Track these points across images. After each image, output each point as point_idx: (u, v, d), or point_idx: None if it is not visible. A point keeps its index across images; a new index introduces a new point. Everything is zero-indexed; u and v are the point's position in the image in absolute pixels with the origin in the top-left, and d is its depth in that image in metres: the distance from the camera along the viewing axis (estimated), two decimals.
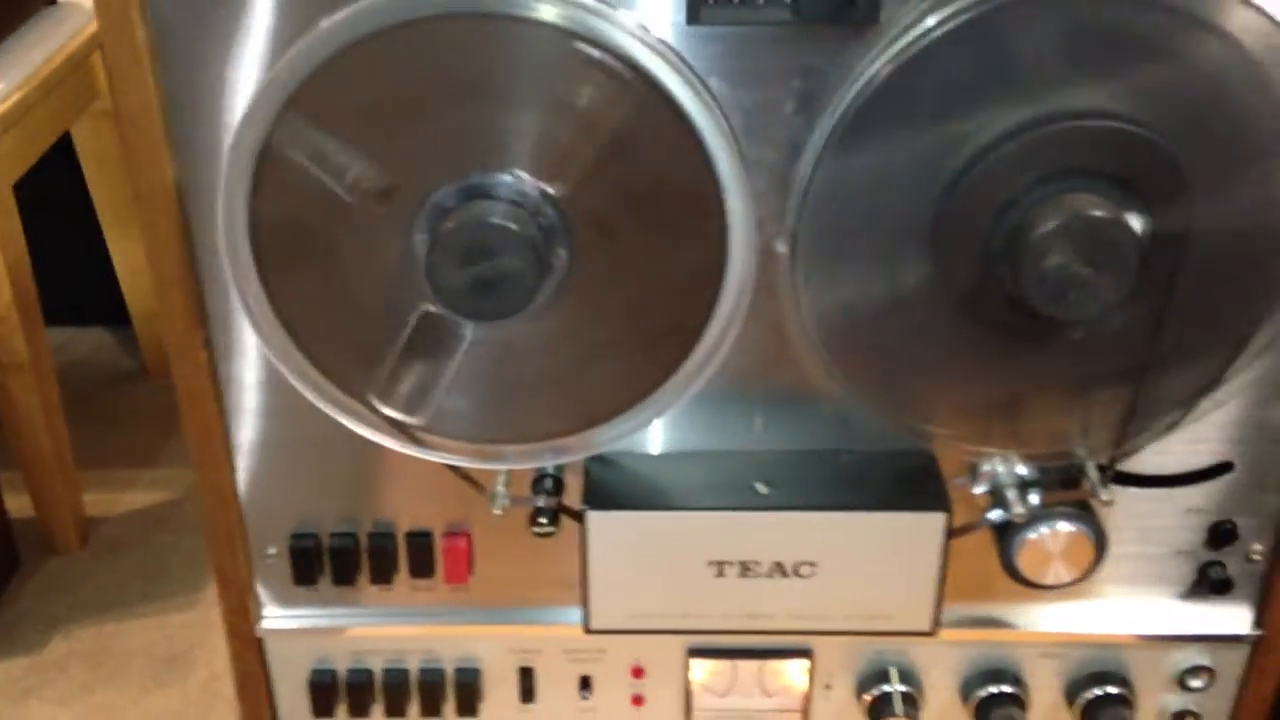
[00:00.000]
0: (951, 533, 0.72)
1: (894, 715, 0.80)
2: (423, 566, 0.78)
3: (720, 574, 0.73)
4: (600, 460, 0.73)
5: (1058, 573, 0.73)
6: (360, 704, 0.83)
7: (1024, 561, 0.73)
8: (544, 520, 0.73)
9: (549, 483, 0.74)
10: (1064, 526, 0.72)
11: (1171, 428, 0.71)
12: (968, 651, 0.81)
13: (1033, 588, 0.74)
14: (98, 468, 1.41)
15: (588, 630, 0.75)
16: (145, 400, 1.57)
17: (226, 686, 1.10)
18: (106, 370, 1.61)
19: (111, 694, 1.13)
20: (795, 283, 0.67)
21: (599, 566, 0.73)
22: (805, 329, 0.69)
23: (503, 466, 0.72)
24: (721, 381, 0.72)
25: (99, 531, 1.35)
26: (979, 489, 0.74)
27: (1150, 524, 0.76)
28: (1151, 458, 0.74)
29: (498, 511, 0.72)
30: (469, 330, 0.65)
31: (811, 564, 0.72)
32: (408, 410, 0.68)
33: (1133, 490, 0.75)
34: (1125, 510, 0.76)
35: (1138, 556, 0.78)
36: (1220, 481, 0.75)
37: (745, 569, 0.72)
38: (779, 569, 0.72)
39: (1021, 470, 0.73)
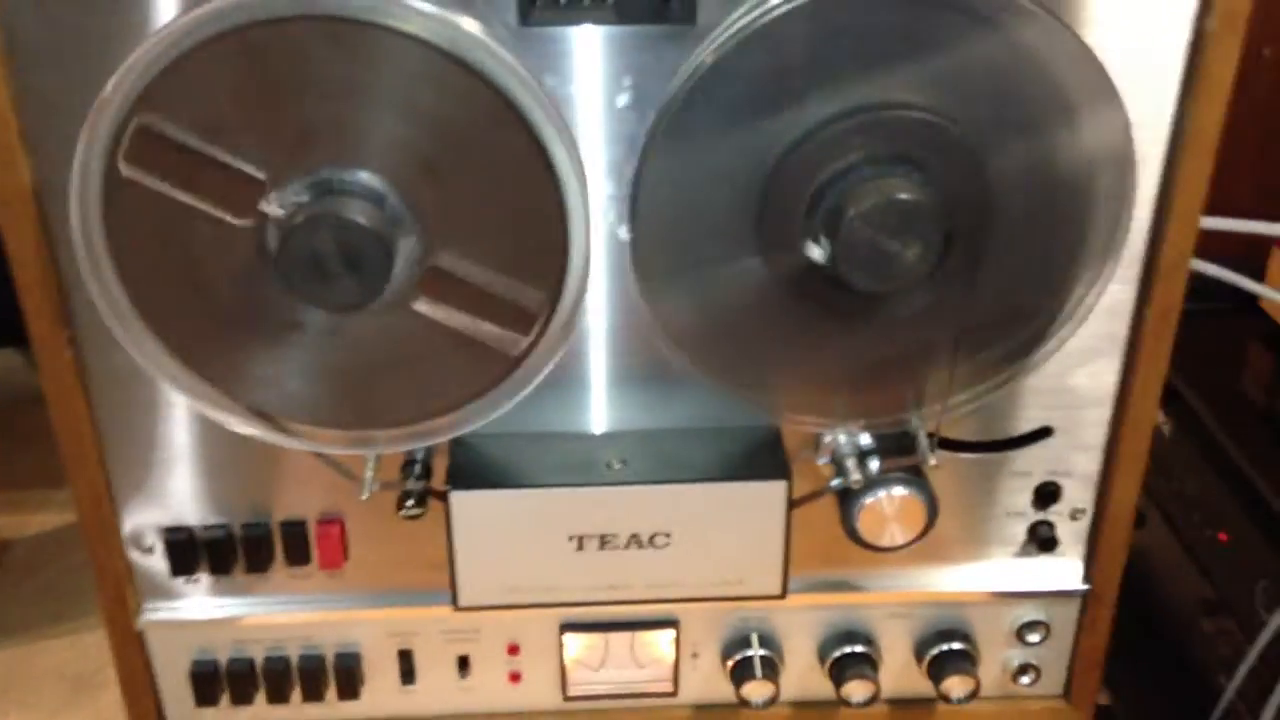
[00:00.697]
0: (794, 501, 0.76)
1: (755, 678, 0.84)
2: (298, 554, 0.80)
3: (580, 547, 0.76)
4: (461, 443, 0.76)
5: (894, 535, 0.78)
6: (243, 692, 0.84)
7: (863, 525, 0.77)
8: (411, 504, 0.76)
9: (416, 467, 0.77)
10: (898, 491, 0.76)
11: (993, 391, 0.76)
12: (821, 615, 0.85)
13: (874, 550, 0.78)
14: (8, 489, 1.41)
15: (457, 608, 0.78)
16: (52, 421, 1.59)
17: None
18: (16, 391, 1.60)
19: (22, 716, 1.13)
20: (637, 267, 0.71)
21: (464, 545, 0.76)
22: (651, 313, 0.73)
23: (369, 452, 0.75)
24: (577, 364, 0.75)
25: (10, 553, 1.35)
26: (821, 460, 0.78)
27: (980, 487, 0.81)
28: (976, 424, 0.79)
29: (365, 497, 0.75)
30: (325, 320, 0.68)
31: (666, 535, 0.76)
32: (268, 400, 0.71)
33: (962, 456, 0.80)
34: (956, 475, 0.80)
35: (972, 519, 0.83)
36: (1041, 445, 0.80)
37: (604, 541, 0.76)
38: (635, 540, 0.76)
39: (861, 440, 0.78)
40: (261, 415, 0.72)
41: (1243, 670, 0.99)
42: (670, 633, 0.85)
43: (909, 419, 0.77)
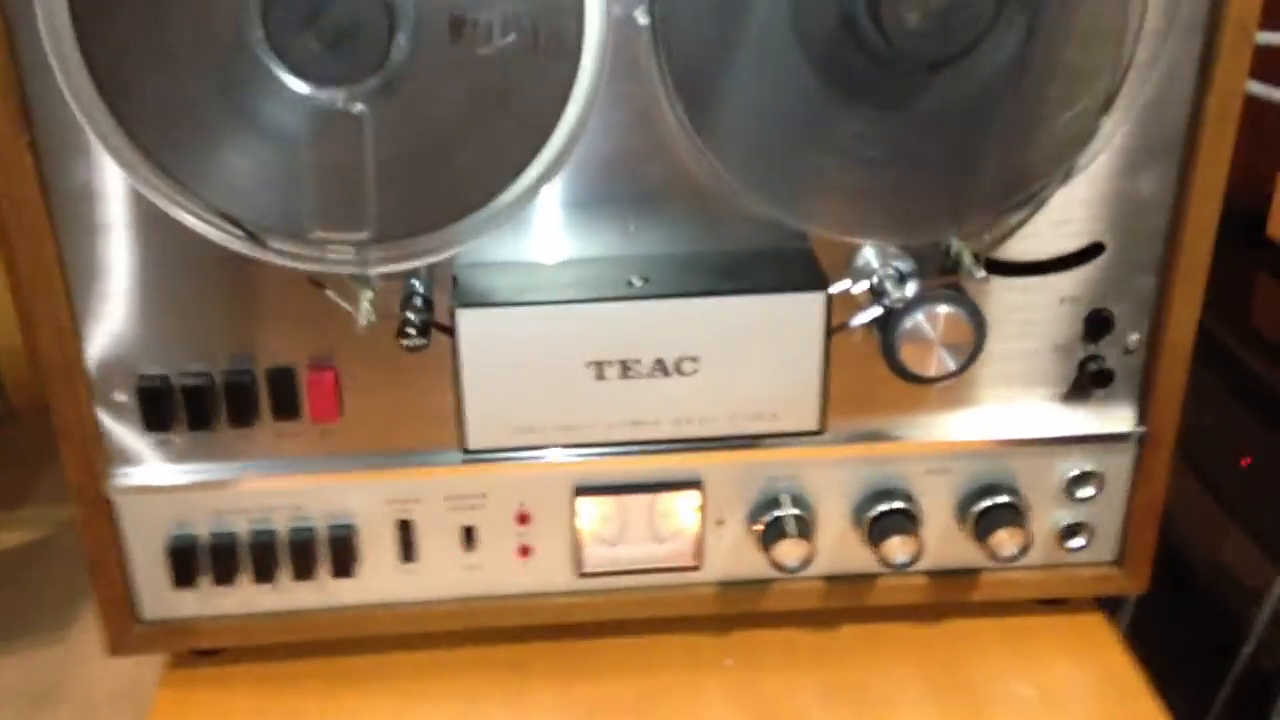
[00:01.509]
0: (833, 327, 0.69)
1: (789, 536, 0.76)
2: (287, 407, 0.72)
3: (600, 375, 0.68)
4: (468, 267, 0.69)
5: (940, 361, 0.71)
6: (225, 571, 0.76)
7: (906, 351, 0.70)
8: (412, 331, 0.68)
9: (417, 300, 0.69)
10: (942, 309, 0.70)
11: (1040, 199, 0.70)
12: (856, 471, 0.78)
13: (919, 381, 0.71)
14: None
15: (465, 451, 0.70)
16: (13, 440, 1.53)
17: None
18: None
19: None
20: (659, 57, 0.65)
21: (473, 376, 0.68)
22: (672, 108, 0.66)
23: (366, 271, 0.67)
24: (590, 180, 0.68)
25: None
26: (858, 287, 0.71)
27: (1027, 318, 0.75)
28: (1022, 244, 0.73)
29: (363, 324, 0.67)
30: (310, 107, 0.61)
31: (693, 359, 0.69)
32: (244, 205, 0.63)
33: (1007, 282, 0.73)
34: (1000, 304, 0.74)
35: (1017, 355, 0.76)
36: (1092, 266, 0.74)
37: (626, 369, 0.68)
38: (660, 367, 0.69)
39: (899, 265, 0.71)
40: (237, 223, 0.64)
41: (1275, 595, 0.92)
42: (694, 496, 0.77)
43: (949, 235, 0.70)
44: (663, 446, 0.73)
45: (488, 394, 0.68)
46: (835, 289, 0.69)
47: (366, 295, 0.68)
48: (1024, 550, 0.78)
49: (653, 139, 0.67)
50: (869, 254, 0.71)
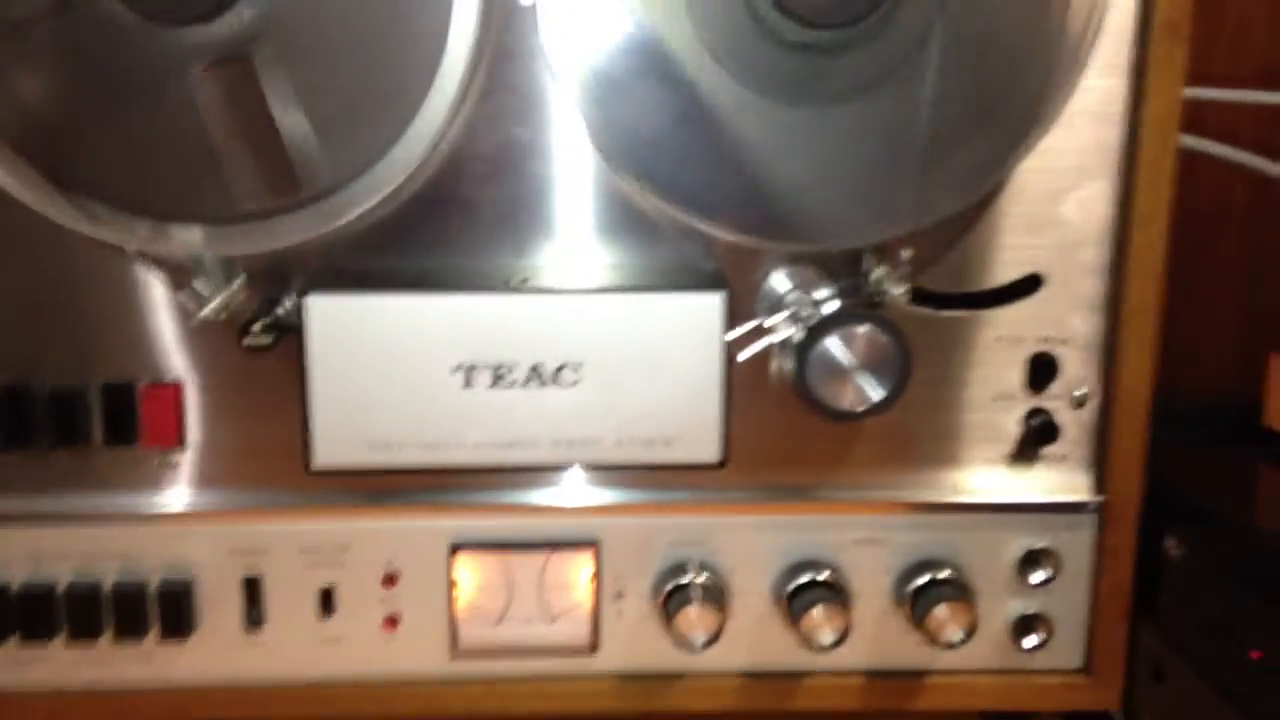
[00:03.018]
0: (733, 340, 0.61)
1: (693, 601, 0.65)
2: (121, 427, 0.63)
3: (468, 382, 0.60)
4: (327, 255, 0.61)
5: (858, 390, 0.62)
6: (39, 626, 0.64)
7: (821, 381, 0.61)
8: (256, 328, 0.60)
9: (267, 305, 0.62)
10: (860, 328, 0.61)
11: (964, 210, 0.63)
12: (777, 538, 0.67)
13: (836, 419, 0.62)
14: None
15: (309, 471, 0.60)
16: None
17: None
18: None
19: None
20: (547, 48, 0.60)
21: (321, 378, 0.59)
22: (563, 94, 0.60)
23: (193, 252, 0.59)
24: (466, 181, 0.62)
25: None
26: (770, 319, 0.63)
27: (962, 360, 0.66)
28: (950, 272, 0.65)
29: (204, 315, 0.59)
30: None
31: (575, 367, 0.60)
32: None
33: (935, 317, 0.66)
34: (930, 342, 0.65)
35: (953, 404, 0.67)
36: (1032, 302, 0.66)
37: (498, 376, 0.60)
38: (537, 375, 0.60)
39: (815, 290, 0.63)
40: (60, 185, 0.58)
41: None
42: (588, 560, 0.66)
43: (868, 238, 0.63)
44: (541, 475, 0.63)
45: (338, 401, 0.59)
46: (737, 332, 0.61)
47: (205, 279, 0.60)
48: (969, 633, 0.66)
49: (541, 132, 0.62)
50: (779, 280, 0.64)
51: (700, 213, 0.61)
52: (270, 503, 0.64)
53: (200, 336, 0.62)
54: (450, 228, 0.62)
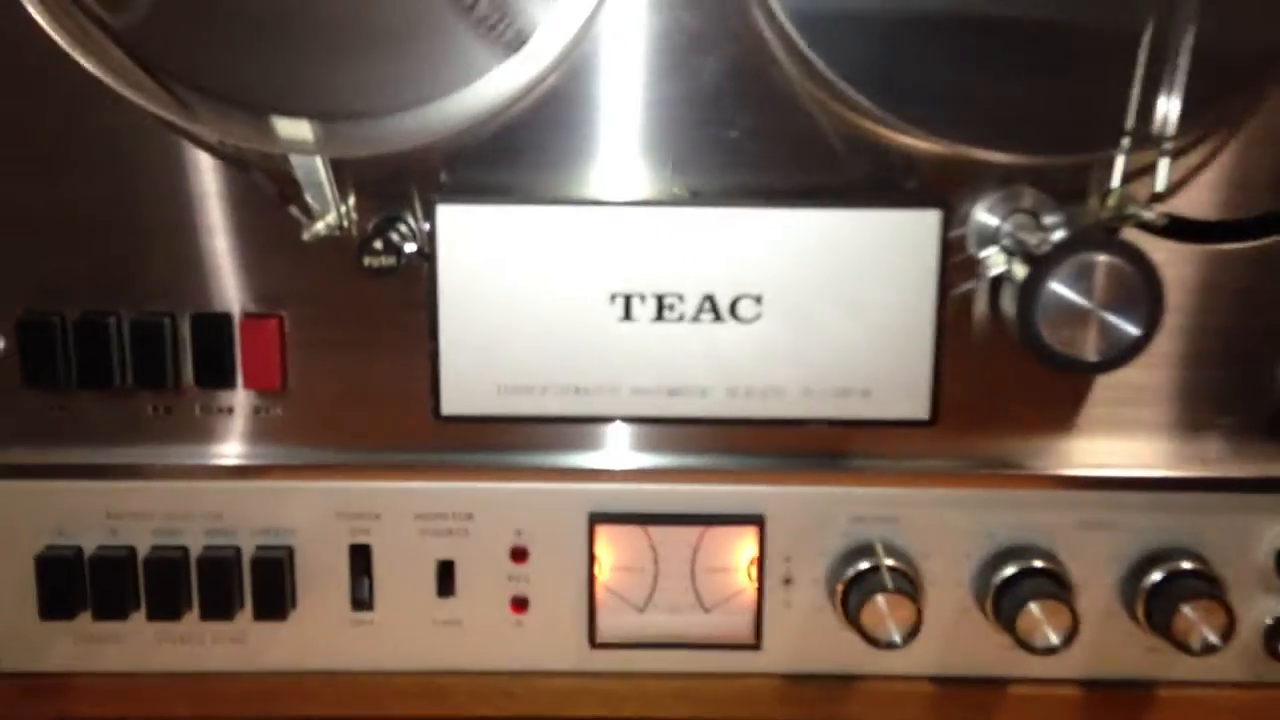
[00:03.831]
0: (948, 283, 0.49)
1: (884, 592, 0.54)
2: (214, 366, 0.54)
3: (626, 315, 0.49)
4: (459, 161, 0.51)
5: (1102, 336, 0.50)
6: (114, 599, 0.55)
7: (1053, 326, 0.50)
8: (378, 245, 0.50)
9: (385, 223, 0.52)
10: (1101, 258, 0.50)
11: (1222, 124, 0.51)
12: (980, 517, 0.56)
13: (1069, 369, 0.51)
14: None
15: (437, 416, 0.50)
16: None
17: None
18: None
19: None
20: None
21: (451, 308, 0.49)
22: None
23: (319, 155, 0.50)
24: (612, 82, 0.52)
25: None
26: (985, 250, 0.52)
27: (1201, 304, 0.54)
28: (1211, 194, 0.53)
29: (318, 230, 0.50)
30: None
31: (756, 298, 0.49)
32: (176, 57, 0.47)
33: (1170, 251, 0.54)
34: (1179, 280, 0.54)
35: (1193, 359, 0.55)
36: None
37: (663, 307, 0.49)
38: (710, 306, 0.49)
39: (1041, 216, 0.52)
40: (159, 74, 0.48)
41: None
42: (750, 539, 0.56)
43: (1096, 170, 0.51)
44: (708, 431, 0.53)
45: (470, 335, 0.49)
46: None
47: (320, 198, 0.50)
48: (1225, 637, 0.54)
49: (712, 21, 0.51)
50: (989, 208, 0.52)
51: (916, 116, 0.50)
52: (383, 459, 0.55)
53: (308, 259, 0.52)
54: (592, 136, 0.51)
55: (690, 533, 0.55)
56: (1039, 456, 0.55)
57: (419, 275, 0.49)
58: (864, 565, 0.55)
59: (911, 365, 0.49)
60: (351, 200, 0.51)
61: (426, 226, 0.50)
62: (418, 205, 0.49)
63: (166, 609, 0.55)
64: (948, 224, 0.48)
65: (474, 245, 0.48)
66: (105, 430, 0.54)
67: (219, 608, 0.55)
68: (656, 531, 0.55)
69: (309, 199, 0.50)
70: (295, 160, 0.50)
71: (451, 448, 0.54)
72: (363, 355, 0.53)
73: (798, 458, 0.54)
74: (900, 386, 0.49)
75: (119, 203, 0.52)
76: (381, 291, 0.51)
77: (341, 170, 0.51)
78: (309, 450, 0.55)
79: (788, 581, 0.56)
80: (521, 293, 0.48)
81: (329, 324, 0.53)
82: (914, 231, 0.48)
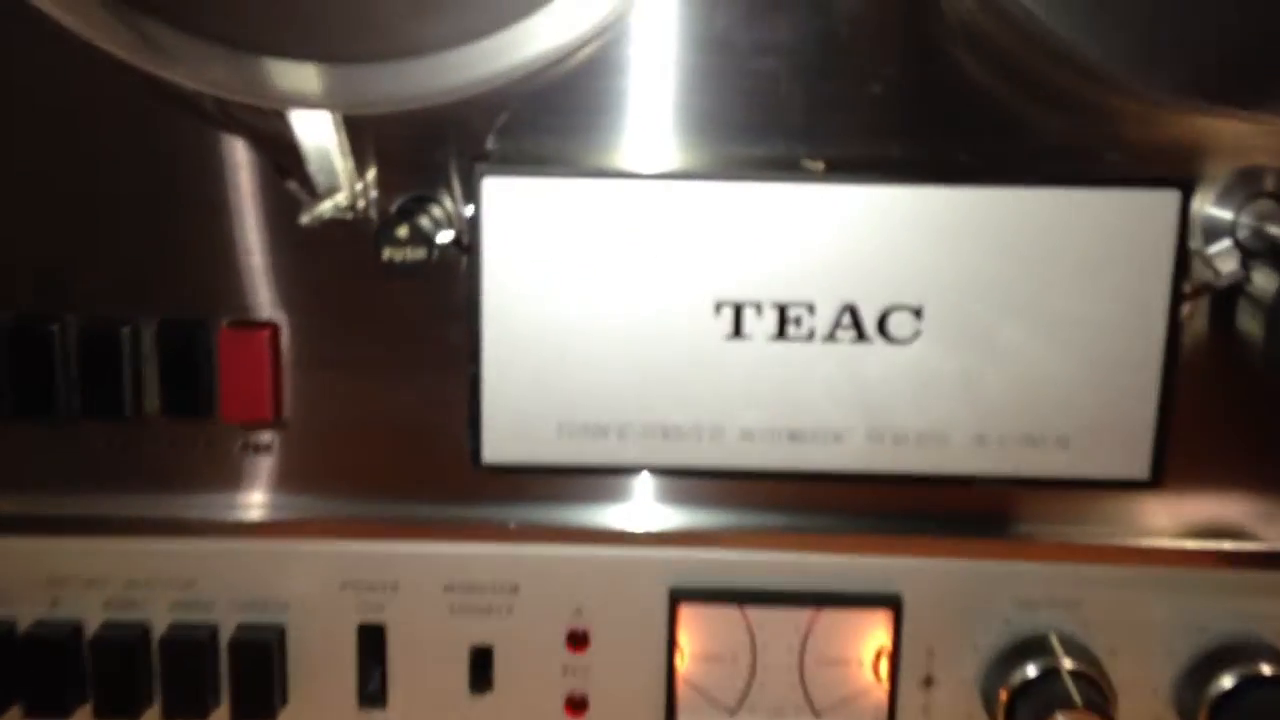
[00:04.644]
0: (1183, 292, 0.36)
1: (1067, 709, 0.40)
2: (187, 390, 0.41)
3: (736, 331, 0.36)
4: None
5: None
6: (51, 692, 0.43)
7: None
8: (404, 235, 0.37)
9: (412, 205, 0.39)
10: None
11: None
12: (1196, 604, 0.42)
13: None
14: None
15: (477, 464, 0.37)
16: None
17: None
18: None
19: None
20: None
21: (501, 319, 0.36)
22: None
23: (332, 107, 0.37)
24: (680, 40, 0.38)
25: None
26: (1216, 246, 0.39)
27: None
28: None
29: (322, 211, 0.37)
30: None
31: (915, 311, 0.36)
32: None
33: None
34: None
35: None
36: None
37: (786, 320, 0.36)
38: (850, 321, 0.36)
39: None
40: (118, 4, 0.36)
41: None
42: (882, 626, 0.42)
43: None
44: (840, 487, 0.39)
45: (525, 357, 0.36)
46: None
47: (327, 171, 0.38)
48: None
49: None
50: (1216, 202, 0.39)
51: (1135, 58, 0.36)
52: (404, 514, 0.42)
53: (310, 250, 0.39)
54: (683, 93, 0.38)
55: (799, 615, 0.42)
56: (1271, 526, 0.41)
57: (456, 274, 0.36)
58: (1036, 667, 0.41)
59: (1129, 405, 0.35)
60: (370, 174, 0.39)
61: (468, 210, 0.37)
62: (455, 180, 0.37)
63: (120, 704, 0.42)
64: (1186, 209, 0.34)
65: (531, 233, 0.35)
66: (45, 472, 0.42)
67: (188, 704, 0.42)
68: (756, 613, 0.43)
69: (312, 171, 0.38)
70: (295, 118, 0.37)
71: (493, 500, 0.41)
72: (380, 380, 0.41)
73: (946, 521, 0.41)
74: (1112, 434, 0.36)
75: (63, 172, 0.39)
76: (406, 295, 0.38)
77: (357, 133, 0.38)
78: (308, 500, 0.42)
79: (928, 682, 0.43)
80: (593, 300, 0.35)
81: (337, 338, 0.41)
82: (1139, 219, 0.34)
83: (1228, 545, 0.41)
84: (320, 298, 0.41)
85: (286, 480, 0.42)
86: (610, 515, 0.41)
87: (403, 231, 0.37)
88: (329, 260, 0.40)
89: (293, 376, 0.41)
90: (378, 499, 0.42)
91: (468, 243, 0.37)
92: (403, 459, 0.41)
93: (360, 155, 0.39)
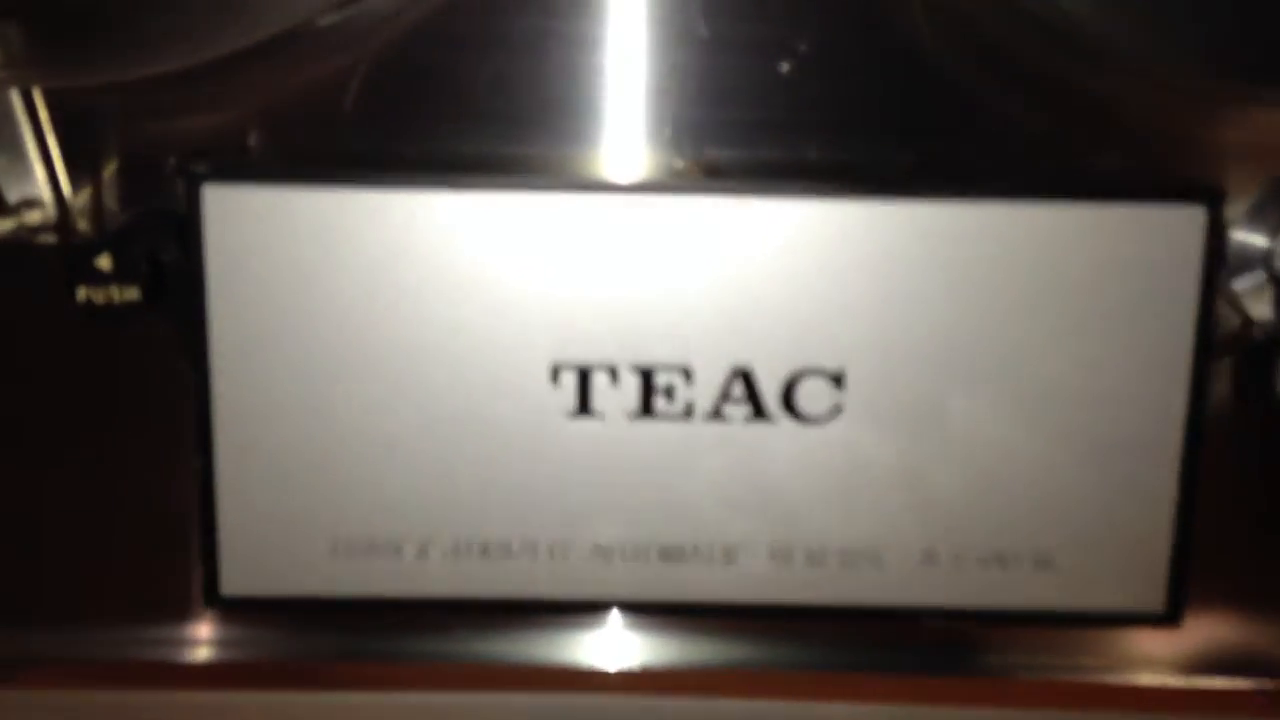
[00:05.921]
0: (1213, 339, 0.26)
1: None
2: None
3: (583, 406, 0.25)
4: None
5: None
6: None
7: None
8: (104, 264, 0.26)
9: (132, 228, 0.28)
10: None
11: None
12: None
13: None
14: None
15: (212, 598, 0.26)
16: None
17: None
18: None
19: None
20: None
21: (236, 382, 0.25)
22: None
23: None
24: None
25: None
26: (1245, 280, 0.29)
27: None
28: None
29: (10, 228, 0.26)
30: None
31: (834, 378, 0.25)
32: None
33: None
34: None
35: None
36: None
37: (653, 390, 0.25)
38: (744, 392, 0.25)
39: None
40: None
41: None
42: None
43: None
44: (731, 623, 0.28)
45: (275, 441, 0.25)
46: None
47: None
48: None
49: None
50: (1245, 226, 0.29)
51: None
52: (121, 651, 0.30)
53: None
54: (529, 75, 0.28)
55: None
56: None
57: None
58: None
59: (1136, 510, 0.25)
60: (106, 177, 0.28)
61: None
62: (180, 186, 0.25)
63: None
64: (1216, 230, 0.24)
65: (278, 265, 0.24)
66: None
67: None
68: None
69: None
70: None
71: (233, 640, 0.30)
72: (79, 469, 0.29)
73: (887, 654, 0.30)
74: (1112, 552, 0.25)
75: None
76: (117, 354, 0.27)
77: (66, 121, 0.27)
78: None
79: None
80: (372, 361, 0.24)
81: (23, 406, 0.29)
82: (1150, 245, 0.24)
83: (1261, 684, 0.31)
84: None
85: None
86: (413, 647, 0.30)
87: (103, 262, 0.26)
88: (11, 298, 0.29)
89: None
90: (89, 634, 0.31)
91: (190, 269, 0.26)
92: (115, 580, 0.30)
93: (71, 150, 0.28)
